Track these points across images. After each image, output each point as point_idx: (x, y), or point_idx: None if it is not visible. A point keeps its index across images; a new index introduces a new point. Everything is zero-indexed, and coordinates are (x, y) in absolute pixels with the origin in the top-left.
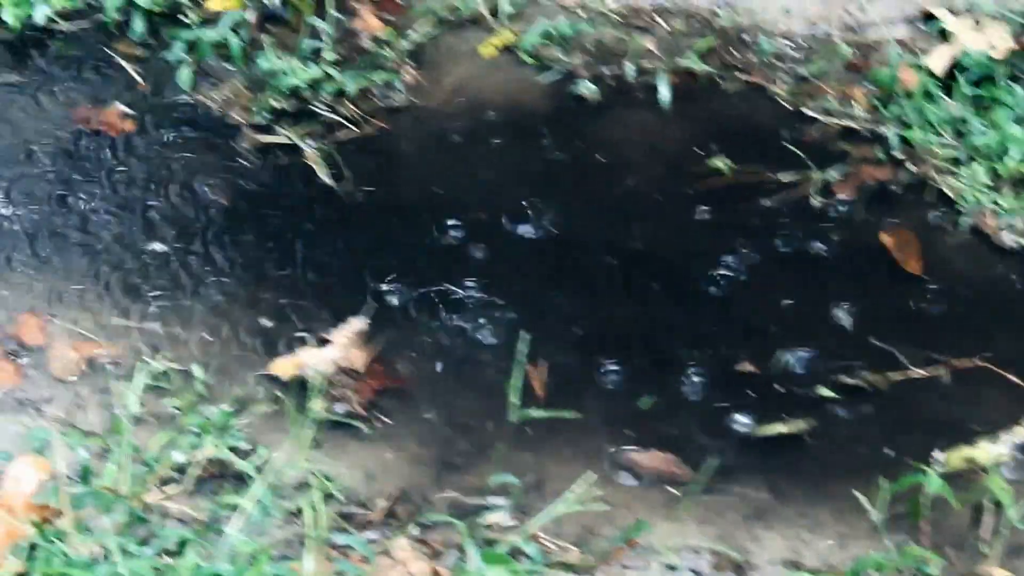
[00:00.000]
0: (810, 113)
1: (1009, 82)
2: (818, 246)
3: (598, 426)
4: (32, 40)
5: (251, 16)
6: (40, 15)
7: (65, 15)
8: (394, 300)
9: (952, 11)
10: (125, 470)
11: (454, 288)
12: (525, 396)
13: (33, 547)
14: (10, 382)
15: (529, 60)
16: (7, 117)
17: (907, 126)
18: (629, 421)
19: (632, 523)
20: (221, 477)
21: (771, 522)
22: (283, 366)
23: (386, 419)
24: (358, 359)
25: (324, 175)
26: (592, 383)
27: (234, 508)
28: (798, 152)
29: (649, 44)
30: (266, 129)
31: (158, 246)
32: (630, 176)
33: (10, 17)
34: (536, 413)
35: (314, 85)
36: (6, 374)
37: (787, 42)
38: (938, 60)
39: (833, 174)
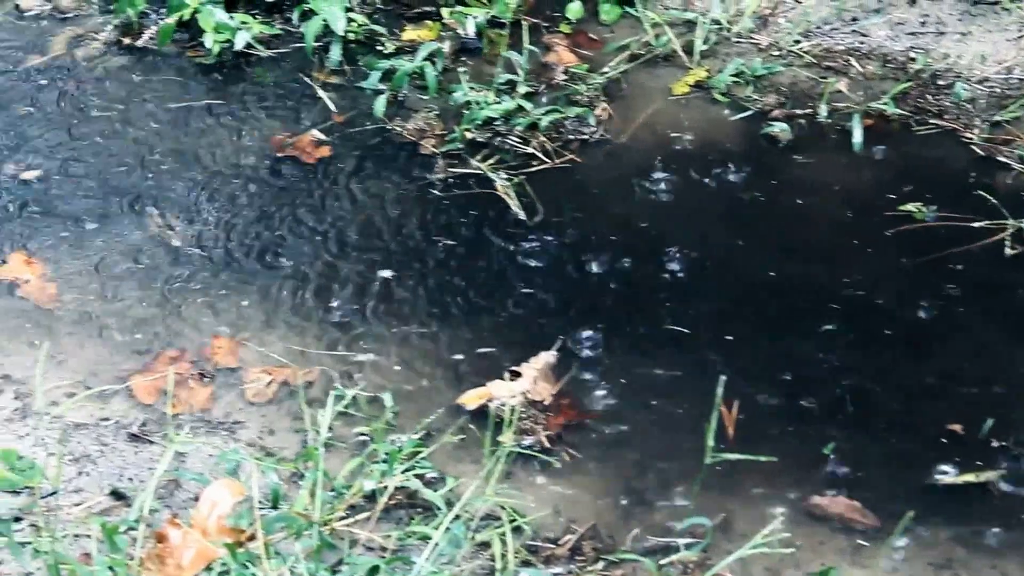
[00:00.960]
0: (1004, 160)
1: None
2: (1013, 295)
3: (787, 468)
4: (231, 65)
5: (446, 47)
6: (240, 41)
7: (264, 41)
8: (583, 334)
9: None
10: (317, 496)
11: (645, 324)
12: (716, 435)
13: (225, 569)
14: (203, 404)
15: (721, 98)
16: (206, 140)
17: None
18: (817, 465)
19: (819, 568)
20: (410, 506)
21: (960, 572)
22: (472, 397)
23: (574, 453)
24: (546, 392)
25: (515, 207)
26: (782, 425)
27: (423, 538)
28: (992, 199)
29: (842, 86)
30: (458, 159)
31: (351, 273)
32: (822, 218)
33: (211, 43)
34: (731, 456)
35: (507, 117)
36: (199, 396)
37: (982, 87)
38: None
39: None
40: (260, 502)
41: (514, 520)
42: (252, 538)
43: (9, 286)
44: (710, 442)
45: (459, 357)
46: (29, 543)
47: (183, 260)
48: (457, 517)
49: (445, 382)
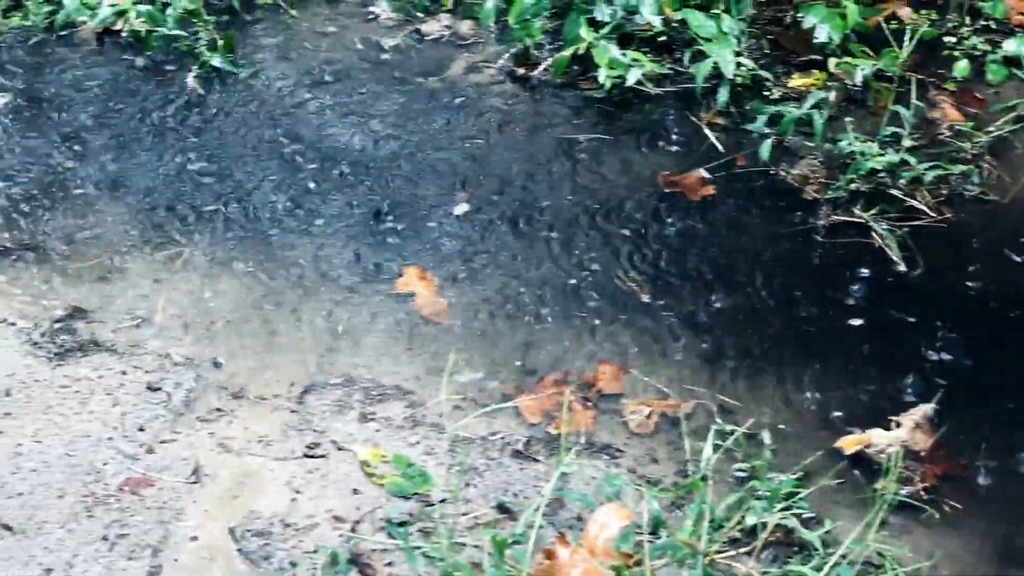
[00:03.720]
0: None
1: None
2: None
3: None
4: (620, 100)
5: (832, 96)
6: (631, 78)
7: (653, 79)
8: (960, 386)
9: None
10: (702, 527)
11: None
12: None
13: None
14: (586, 427)
15: None
16: (597, 171)
17: None
18: None
19: None
20: (786, 544)
21: None
22: (850, 442)
23: (954, 504)
24: (923, 442)
25: (896, 258)
26: None
27: None
28: None
29: None
30: (841, 207)
31: (729, 311)
32: None
33: (604, 77)
34: None
35: (891, 170)
36: (583, 419)
37: None
38: None
39: None
40: (638, 527)
41: (895, 569)
42: (638, 563)
43: (403, 298)
44: None
45: (835, 401)
46: (420, 548)
47: (568, 287)
48: (837, 560)
49: (821, 425)
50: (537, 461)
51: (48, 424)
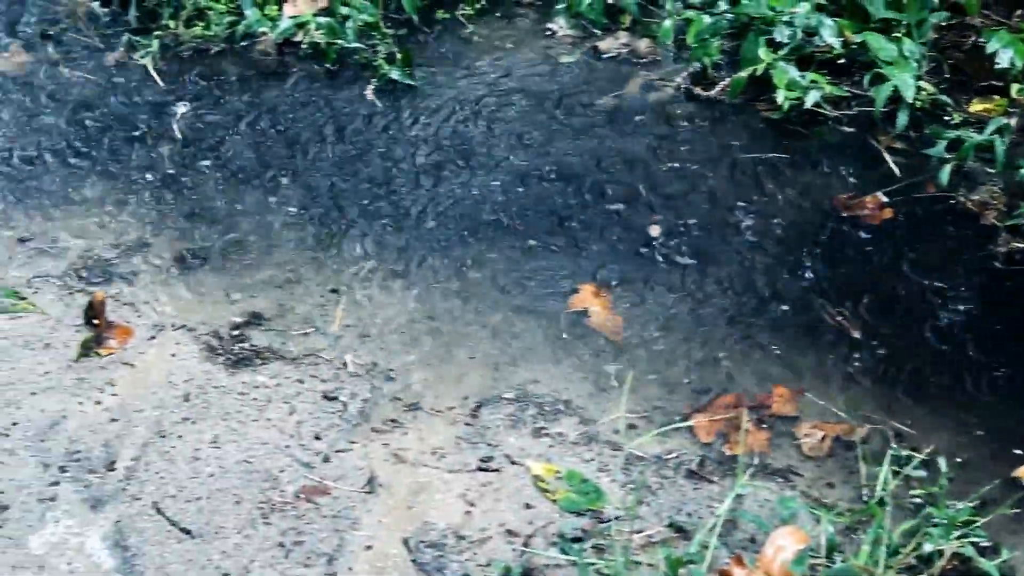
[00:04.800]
0: None
1: None
2: None
3: None
4: (797, 122)
5: (1014, 122)
6: (810, 100)
7: (831, 101)
8: None
9: None
10: (877, 552)
11: None
12: None
13: None
14: (760, 449)
15: None
16: (774, 192)
17: None
18: None
19: None
20: (963, 573)
21: None
22: None
23: None
24: None
25: None
26: None
27: None
28: None
29: None
30: (1020, 235)
31: (896, 338)
32: None
33: (782, 99)
34: None
35: None
36: (757, 440)
37: None
38: None
39: None
40: (813, 550)
41: None
42: None
43: (578, 315)
44: None
45: (1012, 430)
46: (593, 564)
47: (743, 308)
48: None
49: (998, 454)
50: (711, 481)
51: (226, 430)
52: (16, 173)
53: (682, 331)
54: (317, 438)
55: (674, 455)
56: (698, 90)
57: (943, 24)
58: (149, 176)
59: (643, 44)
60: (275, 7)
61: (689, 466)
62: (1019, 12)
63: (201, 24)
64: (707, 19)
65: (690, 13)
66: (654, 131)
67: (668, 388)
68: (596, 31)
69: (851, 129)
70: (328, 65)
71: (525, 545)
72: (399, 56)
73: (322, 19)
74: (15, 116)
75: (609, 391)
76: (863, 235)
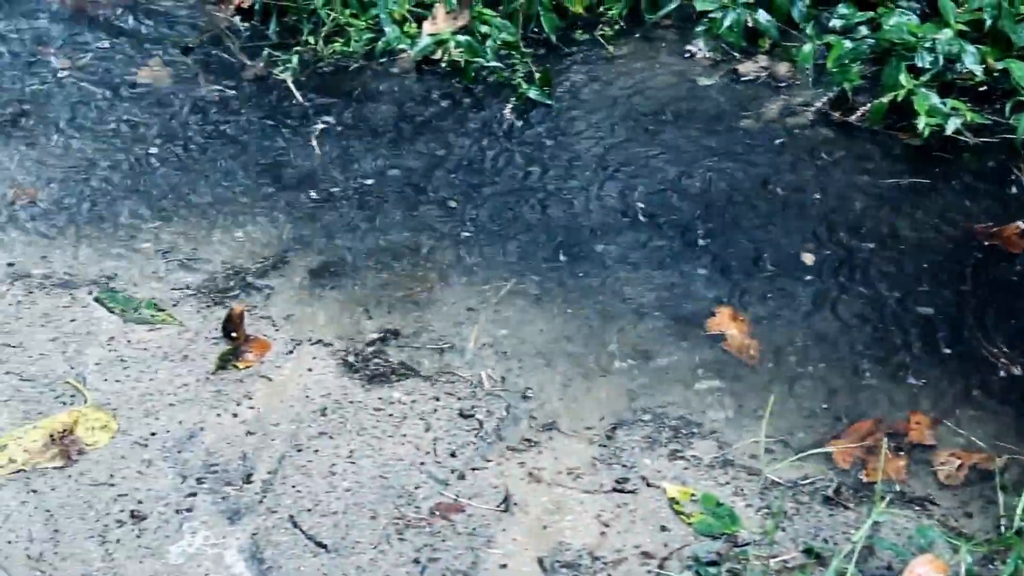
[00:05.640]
0: None
1: None
2: None
3: None
4: (937, 148)
5: None
6: (951, 126)
7: (972, 128)
8: None
9: None
10: None
11: None
12: None
13: None
14: (897, 476)
15: None
16: (914, 219)
17: None
18: None
19: None
20: None
21: None
22: None
23: None
24: None
25: None
26: None
27: None
28: None
29: None
30: None
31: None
32: None
33: (923, 125)
34: None
35: None
36: (894, 468)
37: None
38: None
39: None
40: None
41: None
42: None
43: (715, 337)
44: None
45: None
46: None
47: (882, 334)
48: None
49: None
50: (847, 508)
51: (362, 445)
52: (157, 186)
53: (820, 356)
54: (453, 455)
55: (810, 481)
56: (837, 115)
57: None
58: (288, 191)
59: (783, 68)
60: (414, 25)
61: (825, 492)
62: None
63: (340, 40)
64: (848, 44)
65: (830, 38)
66: (792, 155)
67: (805, 413)
68: (735, 54)
69: (992, 157)
70: (467, 83)
71: (660, 567)
72: (538, 76)
73: (461, 38)
74: (157, 129)
75: (745, 415)
76: (1003, 263)
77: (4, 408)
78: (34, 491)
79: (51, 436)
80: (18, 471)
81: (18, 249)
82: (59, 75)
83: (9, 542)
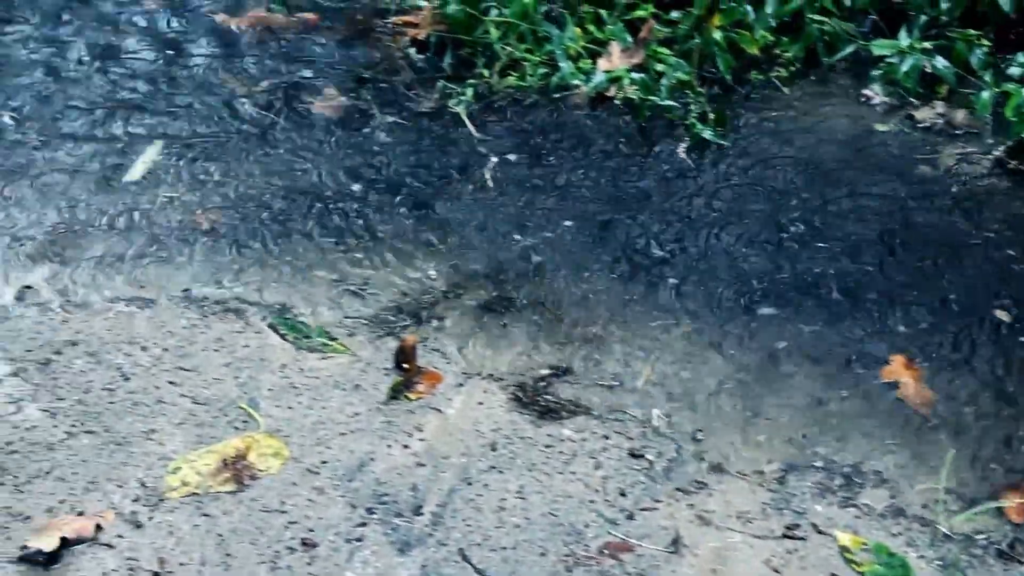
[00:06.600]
0: None
1: None
2: None
3: None
4: None
5: None
6: None
7: None
8: None
9: None
10: None
11: None
12: None
13: None
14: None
15: None
16: None
17: None
18: None
19: None
20: None
21: None
22: None
23: None
24: None
25: None
26: None
27: None
28: None
29: None
30: None
31: None
32: None
33: None
34: None
35: None
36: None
37: None
38: None
39: None
40: None
41: None
42: None
43: (888, 386)
44: None
45: None
46: None
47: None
48: None
49: None
50: (1021, 563)
51: (532, 481)
52: (333, 215)
53: (995, 409)
54: (622, 495)
55: (983, 534)
56: (1013, 163)
57: None
58: (459, 224)
59: (959, 115)
60: (589, 61)
61: (999, 546)
62: None
63: (515, 75)
64: None
65: (1010, 86)
66: (968, 204)
67: (979, 465)
68: (912, 99)
69: None
70: (640, 121)
71: None
72: (712, 116)
73: (636, 75)
74: (332, 159)
75: (919, 465)
76: None
77: (178, 431)
78: (206, 515)
79: (224, 460)
80: (191, 494)
81: (194, 274)
82: (237, 102)
83: (182, 564)
